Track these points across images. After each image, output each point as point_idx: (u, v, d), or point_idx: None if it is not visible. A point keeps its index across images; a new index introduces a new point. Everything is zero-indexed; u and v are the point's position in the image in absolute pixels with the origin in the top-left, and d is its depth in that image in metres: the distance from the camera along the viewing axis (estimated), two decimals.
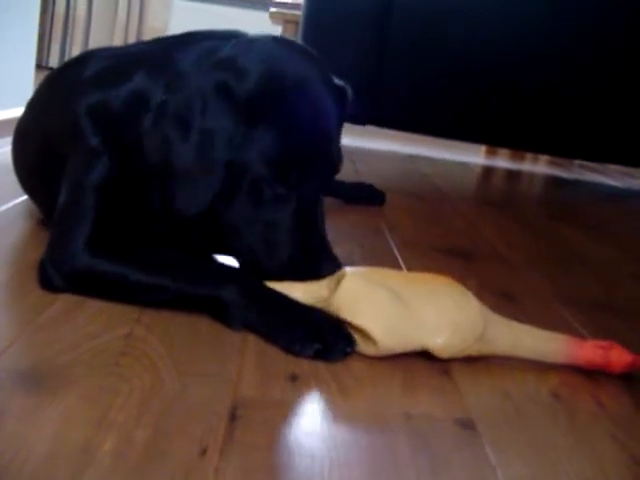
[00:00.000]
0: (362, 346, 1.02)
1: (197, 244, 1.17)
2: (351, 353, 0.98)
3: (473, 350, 1.04)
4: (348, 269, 1.09)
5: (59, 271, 1.08)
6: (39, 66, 3.32)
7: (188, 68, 1.11)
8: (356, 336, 1.02)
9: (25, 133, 1.41)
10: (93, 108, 1.17)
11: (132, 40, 5.02)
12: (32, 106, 1.41)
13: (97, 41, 4.98)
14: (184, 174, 1.04)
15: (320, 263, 1.06)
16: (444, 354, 1.02)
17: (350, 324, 1.02)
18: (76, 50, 4.93)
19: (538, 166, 4.21)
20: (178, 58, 1.14)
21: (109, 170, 1.13)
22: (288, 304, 1.03)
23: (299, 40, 2.83)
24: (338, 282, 1.06)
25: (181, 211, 1.06)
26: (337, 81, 1.19)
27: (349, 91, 1.22)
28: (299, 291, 1.06)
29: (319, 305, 1.05)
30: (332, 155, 1.11)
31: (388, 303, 1.02)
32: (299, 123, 1.07)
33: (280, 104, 1.06)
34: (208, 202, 1.05)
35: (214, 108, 1.03)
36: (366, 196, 2.16)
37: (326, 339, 0.98)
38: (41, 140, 1.31)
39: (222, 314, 1.03)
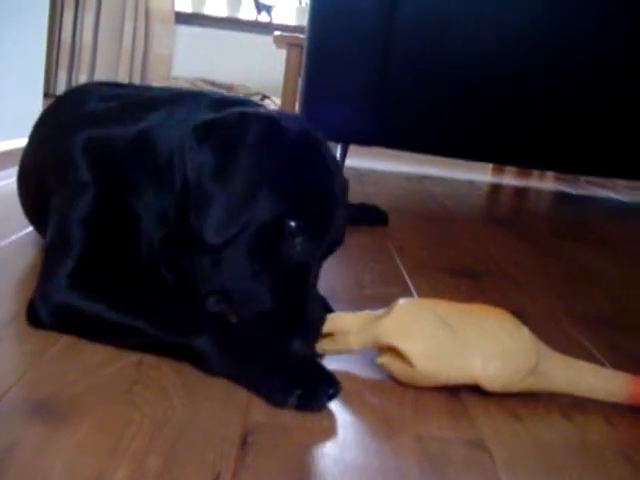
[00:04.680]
0: (404, 373, 1.01)
1: (174, 282, 1.15)
2: (335, 395, 0.92)
3: (526, 384, 1.00)
4: (400, 300, 1.06)
5: (43, 305, 1.06)
6: (46, 94, 3.34)
7: (209, 110, 1.12)
8: (397, 363, 1.00)
9: (25, 165, 1.43)
10: (90, 144, 1.17)
11: (138, 66, 5.06)
12: (31, 138, 1.43)
13: (103, 69, 5.02)
14: (221, 198, 1.02)
15: (290, 334, 1.01)
16: (494, 386, 0.99)
17: (393, 349, 1.00)
18: (83, 78, 4.97)
19: (545, 182, 4.21)
20: (190, 105, 1.15)
21: (97, 205, 1.13)
22: (265, 351, 0.98)
23: (303, 62, 2.85)
24: (390, 310, 1.04)
25: (209, 239, 1.02)
26: None
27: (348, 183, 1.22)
28: (347, 324, 1.05)
29: (367, 330, 1.03)
30: (339, 224, 1.10)
31: (433, 328, 0.99)
32: (320, 182, 1.08)
33: (311, 154, 1.09)
34: (236, 230, 1.02)
35: (264, 136, 1.05)
36: (369, 217, 2.16)
37: (307, 384, 0.92)
38: (36, 173, 1.33)
39: (199, 363, 0.98)
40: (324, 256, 1.11)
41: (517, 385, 1.00)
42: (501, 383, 0.99)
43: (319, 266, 1.10)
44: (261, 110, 1.13)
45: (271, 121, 1.07)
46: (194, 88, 1.12)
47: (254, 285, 1.03)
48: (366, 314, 1.06)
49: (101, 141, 1.17)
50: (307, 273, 1.06)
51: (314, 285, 1.08)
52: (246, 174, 1.03)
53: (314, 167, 1.09)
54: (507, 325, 1.02)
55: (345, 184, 1.16)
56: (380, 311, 1.06)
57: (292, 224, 1.03)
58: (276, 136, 1.05)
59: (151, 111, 1.17)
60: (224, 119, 1.08)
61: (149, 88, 1.31)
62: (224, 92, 1.11)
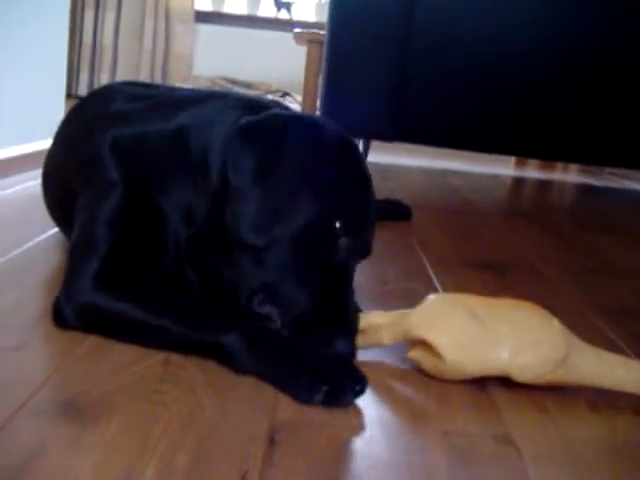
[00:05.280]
0: (433, 367, 1.01)
1: (204, 283, 1.14)
2: (362, 392, 0.93)
3: (556, 376, 1.00)
4: (431, 295, 1.07)
5: (69, 306, 1.07)
6: (69, 95, 3.36)
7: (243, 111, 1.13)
8: (427, 357, 1.01)
9: (49, 166, 1.44)
10: (118, 143, 1.17)
11: (159, 66, 5.08)
12: (55, 139, 1.44)
13: (124, 69, 5.04)
14: (263, 198, 1.03)
15: (332, 337, 1.00)
16: (524, 377, 0.99)
17: (423, 342, 1.01)
18: (104, 78, 4.99)
19: (568, 175, 4.18)
20: (217, 105, 1.16)
21: (125, 204, 1.13)
22: (292, 348, 0.98)
23: (324, 58, 2.85)
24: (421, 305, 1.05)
25: (248, 239, 1.03)
26: None
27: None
28: (379, 319, 1.06)
29: (399, 324, 1.04)
30: (372, 227, 1.13)
31: (463, 321, 1.00)
32: (359, 181, 1.11)
33: (350, 157, 1.11)
34: (275, 230, 1.03)
35: (307, 139, 1.06)
36: (393, 212, 2.16)
37: (334, 380, 0.92)
38: (62, 173, 1.34)
39: (227, 361, 0.98)
40: (362, 256, 1.13)
41: (547, 376, 1.00)
42: (531, 373, 0.99)
43: (355, 266, 1.11)
44: (304, 113, 1.15)
45: (312, 123, 1.09)
46: (217, 88, 1.13)
47: (298, 285, 1.04)
48: (396, 312, 1.07)
49: (129, 140, 1.17)
50: (348, 273, 1.07)
51: (352, 290, 1.09)
52: (289, 175, 1.04)
53: (353, 167, 1.11)
54: (537, 317, 1.02)
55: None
56: (404, 311, 1.06)
57: (337, 224, 1.04)
58: (317, 137, 1.07)
59: (179, 111, 1.17)
60: (267, 121, 1.08)
61: (174, 88, 1.31)
62: (244, 91, 1.12)
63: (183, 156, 1.13)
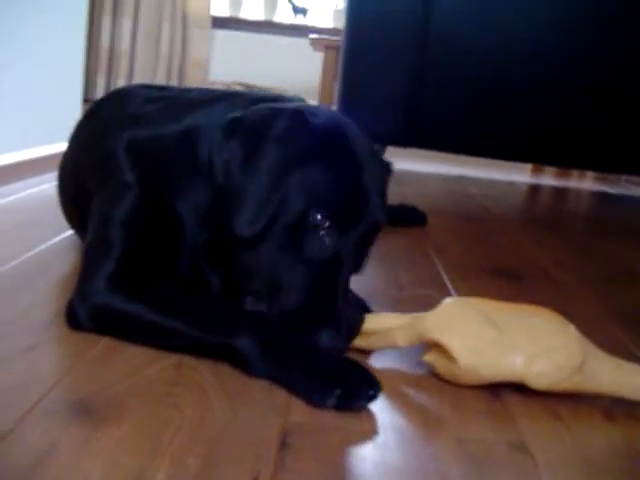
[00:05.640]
0: (447, 370, 1.00)
1: (218, 283, 1.14)
2: (376, 396, 0.92)
3: (572, 383, 0.99)
4: (447, 298, 1.07)
5: (82, 308, 1.06)
6: (86, 100, 3.37)
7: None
8: (442, 360, 1.00)
9: (65, 168, 1.45)
10: (132, 145, 1.17)
11: (175, 71, 5.10)
12: (71, 141, 1.45)
13: (141, 74, 5.05)
14: (247, 190, 1.03)
15: (325, 334, 0.99)
16: (540, 384, 0.98)
17: (438, 344, 1.00)
18: (121, 83, 5.00)
19: (585, 182, 4.16)
20: (227, 105, 1.16)
21: (140, 206, 1.14)
22: (305, 352, 0.97)
23: (340, 64, 2.85)
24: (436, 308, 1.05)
25: (239, 232, 1.03)
26: (383, 157, 1.22)
27: (392, 167, 1.23)
28: (392, 322, 1.06)
29: (413, 326, 1.03)
30: (373, 215, 1.08)
31: (478, 325, 0.99)
32: (351, 167, 1.07)
33: (337, 139, 1.08)
34: (264, 223, 1.03)
35: (287, 130, 1.04)
36: (408, 218, 2.15)
37: (347, 384, 0.91)
38: (75, 176, 1.34)
39: (239, 364, 0.98)
40: (361, 250, 1.10)
41: (563, 383, 0.99)
42: (546, 381, 0.98)
43: (354, 261, 1.09)
44: (290, 105, 1.12)
45: (295, 114, 1.06)
46: (232, 89, 1.13)
47: (283, 279, 1.03)
48: (411, 315, 1.06)
49: (143, 142, 1.18)
50: (338, 267, 1.05)
51: (347, 280, 1.07)
52: (271, 167, 1.03)
53: (340, 159, 1.07)
54: (553, 323, 1.02)
55: (383, 177, 1.16)
56: (418, 314, 1.06)
57: (318, 216, 1.03)
58: (300, 129, 1.05)
59: (190, 112, 1.17)
60: (251, 115, 1.08)
61: (188, 90, 1.31)
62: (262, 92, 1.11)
63: (193, 157, 1.13)
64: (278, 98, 1.20)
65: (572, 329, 1.01)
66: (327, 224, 1.03)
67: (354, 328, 1.06)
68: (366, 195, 1.07)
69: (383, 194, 1.13)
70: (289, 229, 1.04)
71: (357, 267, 1.12)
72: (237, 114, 1.09)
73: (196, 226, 1.13)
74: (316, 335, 0.99)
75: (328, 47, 3.92)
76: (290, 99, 1.21)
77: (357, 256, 1.10)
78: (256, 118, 1.07)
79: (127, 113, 1.25)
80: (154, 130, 1.18)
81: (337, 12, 5.21)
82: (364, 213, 1.07)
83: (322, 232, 1.03)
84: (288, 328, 1.00)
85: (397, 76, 2.79)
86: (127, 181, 1.15)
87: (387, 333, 1.05)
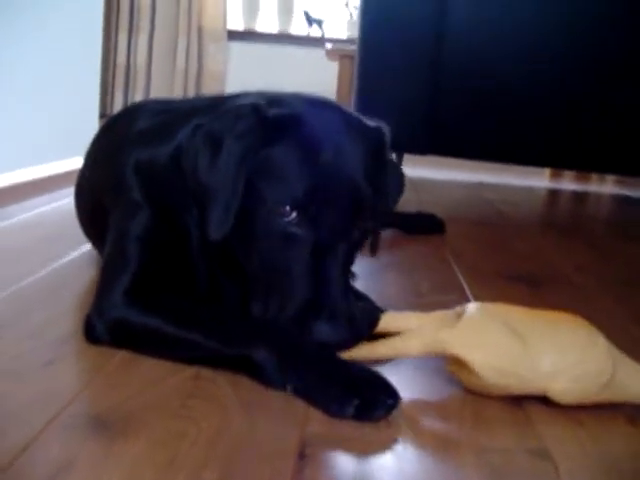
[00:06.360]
0: (471, 383, 0.99)
1: (231, 294, 1.15)
2: (394, 406, 0.90)
3: (601, 398, 0.97)
4: (471, 304, 1.04)
5: (100, 322, 1.07)
6: (103, 115, 3.40)
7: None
8: (465, 373, 0.98)
9: (81, 183, 1.47)
10: (139, 165, 1.19)
11: (192, 85, 5.12)
12: (86, 158, 1.47)
13: (158, 88, 5.08)
14: (213, 192, 1.03)
15: (319, 325, 0.97)
16: (565, 400, 0.96)
17: (458, 360, 0.98)
18: (138, 98, 5.03)
19: (605, 186, 4.14)
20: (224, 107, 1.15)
21: (151, 223, 1.15)
22: (323, 361, 0.96)
23: (355, 73, 2.85)
24: (459, 316, 1.02)
25: (210, 236, 1.03)
26: (370, 122, 1.15)
27: (386, 130, 1.16)
28: (413, 324, 1.04)
29: (431, 337, 1.00)
30: (346, 191, 1.03)
31: (502, 338, 0.96)
32: (315, 150, 1.03)
33: (298, 127, 1.04)
34: (230, 223, 1.02)
35: (243, 126, 1.03)
36: (426, 226, 2.15)
37: (365, 394, 0.90)
38: (91, 191, 1.36)
39: (257, 375, 0.97)
40: (347, 232, 1.04)
41: (590, 398, 0.97)
42: (572, 397, 0.96)
43: (348, 244, 1.04)
44: (261, 100, 1.08)
45: (251, 109, 1.05)
46: (237, 91, 1.12)
47: (269, 281, 1.03)
48: (427, 315, 1.05)
49: (147, 162, 1.19)
50: (321, 256, 1.01)
51: (339, 268, 1.02)
52: (229, 165, 1.02)
53: (299, 144, 1.04)
54: (581, 333, 0.99)
55: (367, 150, 1.08)
56: (444, 313, 1.04)
57: (284, 208, 1.01)
58: (256, 122, 1.03)
59: (185, 124, 1.16)
60: (212, 118, 1.08)
61: (192, 99, 1.32)
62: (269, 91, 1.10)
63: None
64: (273, 96, 1.14)
65: (601, 341, 0.98)
66: (294, 214, 1.01)
67: (364, 323, 1.03)
68: (334, 174, 1.03)
69: (363, 168, 1.06)
70: (259, 227, 1.03)
71: (353, 252, 1.08)
72: (205, 118, 1.09)
73: (202, 236, 1.13)
74: (307, 330, 0.97)
75: (343, 57, 3.93)
76: (294, 97, 1.15)
77: (348, 239, 1.04)
78: (218, 119, 1.07)
79: (136, 130, 1.26)
80: (153, 148, 1.19)
81: (352, 22, 5.22)
82: (334, 193, 1.02)
83: (293, 224, 1.01)
84: (284, 324, 0.99)
85: (413, 84, 2.78)
86: (136, 199, 1.17)
87: (400, 340, 1.02)
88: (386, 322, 1.06)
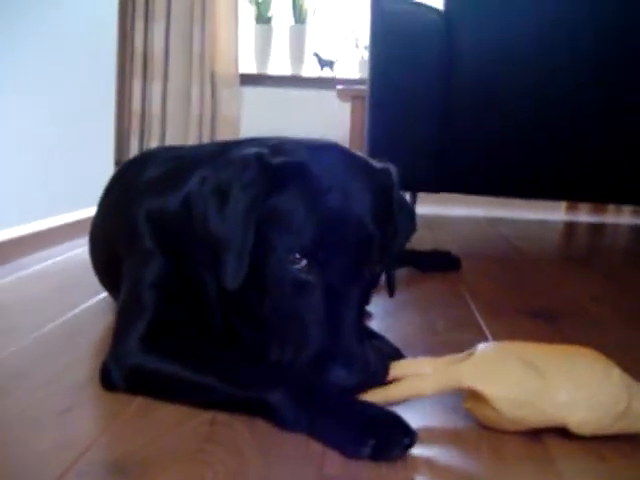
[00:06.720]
0: (488, 418, 0.98)
1: (247, 338, 1.15)
2: (412, 445, 0.90)
3: (618, 428, 0.97)
4: (483, 344, 1.04)
5: (116, 369, 1.08)
6: (119, 162, 3.44)
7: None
8: (482, 408, 0.98)
9: (95, 231, 1.49)
10: (150, 213, 1.21)
11: (207, 130, 5.17)
12: (99, 206, 1.50)
13: (173, 135, 5.13)
14: (224, 243, 1.04)
15: (334, 370, 0.97)
16: (583, 431, 0.96)
17: (474, 393, 0.98)
18: (154, 144, 5.08)
19: (622, 217, 4.12)
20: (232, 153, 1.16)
21: (164, 270, 1.17)
22: (338, 402, 0.96)
23: (367, 113, 2.86)
24: (470, 355, 1.02)
25: (227, 286, 1.05)
26: (377, 163, 1.16)
27: (393, 170, 1.16)
28: (428, 367, 1.03)
29: (445, 374, 1.00)
30: (353, 233, 1.03)
31: (518, 372, 0.97)
32: (320, 195, 1.04)
33: (303, 174, 1.05)
34: (244, 272, 1.03)
35: (248, 176, 1.05)
36: (442, 263, 2.15)
37: (382, 433, 0.90)
38: (105, 240, 1.39)
39: (272, 418, 0.97)
40: (359, 275, 1.04)
41: (607, 429, 0.96)
42: (590, 428, 0.96)
43: (358, 288, 1.04)
44: (264, 148, 1.09)
45: (256, 160, 1.05)
46: (245, 137, 1.13)
47: (283, 328, 1.04)
48: (440, 359, 1.05)
49: (158, 210, 1.21)
50: (333, 302, 1.01)
51: (352, 312, 1.02)
52: (237, 216, 1.04)
53: (307, 199, 1.03)
54: (597, 369, 0.99)
55: (375, 190, 1.08)
56: (455, 356, 1.04)
57: (293, 255, 1.02)
58: (261, 175, 1.04)
59: (193, 172, 1.17)
60: (218, 168, 1.09)
61: (200, 146, 1.34)
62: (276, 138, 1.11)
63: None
64: (276, 144, 1.15)
65: (616, 371, 0.98)
66: (304, 262, 1.02)
67: (380, 366, 1.03)
68: (341, 218, 1.03)
69: (370, 209, 1.06)
70: (271, 274, 1.04)
71: (365, 293, 1.08)
72: (209, 168, 1.11)
73: (216, 282, 1.13)
74: (321, 374, 0.97)
75: (355, 97, 3.96)
76: (298, 143, 1.15)
77: (359, 281, 1.04)
78: (222, 169, 1.08)
79: (146, 178, 1.29)
80: (165, 197, 1.21)
81: (363, 62, 5.27)
82: (341, 236, 1.03)
83: (303, 271, 1.02)
84: (301, 371, 0.99)
85: (423, 123, 2.79)
86: (149, 247, 1.19)
87: (412, 381, 1.02)
88: (400, 368, 1.06)
